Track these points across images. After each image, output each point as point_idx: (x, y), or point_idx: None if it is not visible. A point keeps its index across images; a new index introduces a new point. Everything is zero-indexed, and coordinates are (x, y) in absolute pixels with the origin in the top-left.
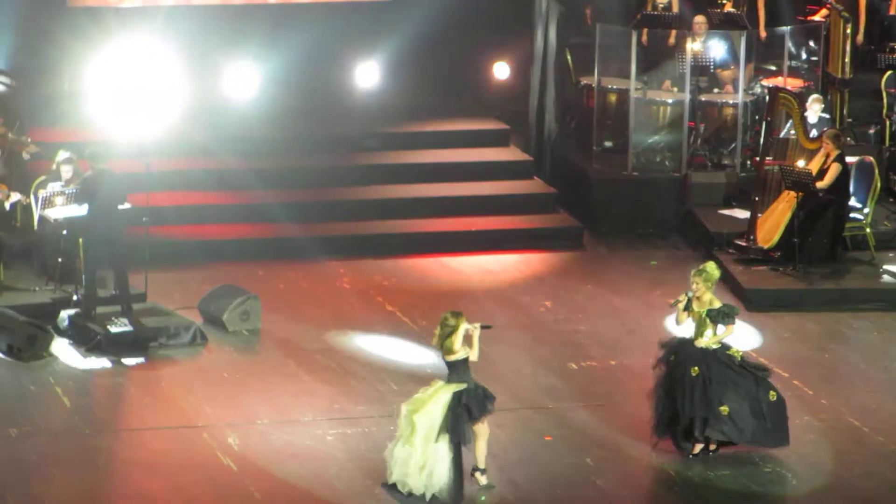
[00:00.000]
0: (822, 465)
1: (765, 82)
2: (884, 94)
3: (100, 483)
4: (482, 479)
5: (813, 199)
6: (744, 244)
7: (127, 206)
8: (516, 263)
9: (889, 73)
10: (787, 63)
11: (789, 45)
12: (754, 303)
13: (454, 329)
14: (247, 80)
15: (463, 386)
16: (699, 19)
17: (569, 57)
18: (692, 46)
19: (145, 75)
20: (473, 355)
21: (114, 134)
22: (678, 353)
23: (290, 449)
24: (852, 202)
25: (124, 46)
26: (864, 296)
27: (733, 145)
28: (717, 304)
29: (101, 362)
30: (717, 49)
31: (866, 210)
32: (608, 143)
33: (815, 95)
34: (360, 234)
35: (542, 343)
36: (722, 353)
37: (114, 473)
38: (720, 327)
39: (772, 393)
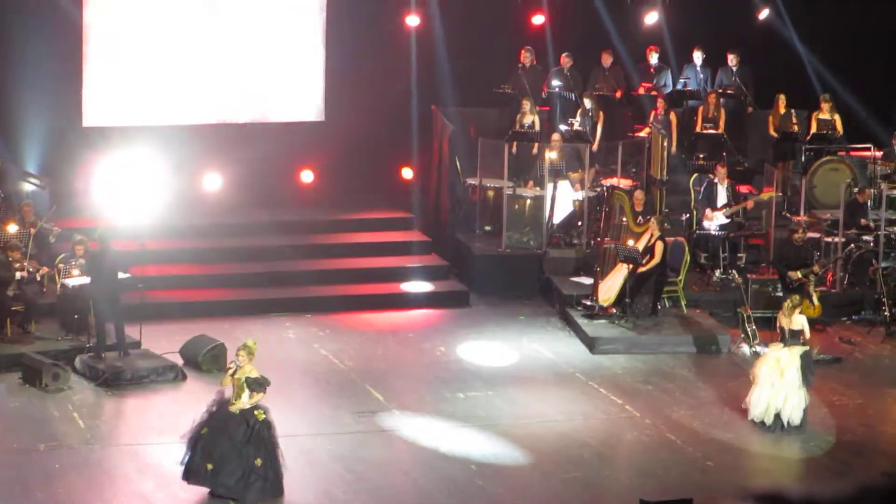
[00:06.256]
0: (647, 469)
1: (603, 182)
2: (691, 191)
3: (107, 486)
4: None
5: (640, 269)
6: (589, 303)
7: (126, 275)
8: (418, 318)
9: (695, 174)
10: (619, 167)
11: (621, 154)
12: (597, 347)
13: (797, 306)
14: (217, 181)
15: (805, 348)
16: (555, 136)
17: (458, 163)
18: (550, 155)
19: (140, 176)
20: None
21: (116, 221)
22: (218, 410)
23: None
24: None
25: (125, 156)
26: (678, 341)
27: (580, 229)
28: (255, 375)
29: (107, 394)
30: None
31: (680, 277)
32: (487, 228)
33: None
34: (302, 297)
35: (437, 378)
36: (249, 414)
37: (117, 478)
38: (249, 393)
39: (258, 460)
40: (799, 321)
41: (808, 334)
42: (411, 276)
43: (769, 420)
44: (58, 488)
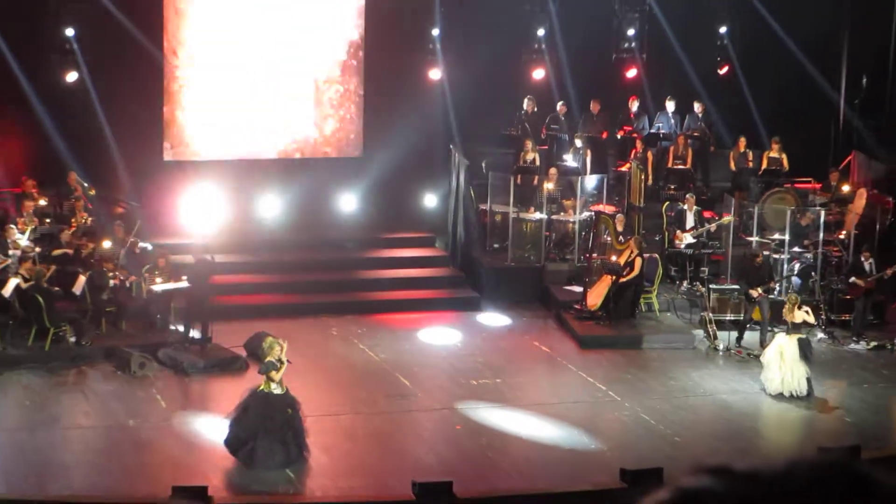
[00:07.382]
0: (626, 444)
1: (591, 208)
2: (664, 216)
3: (184, 453)
4: None
5: (621, 280)
6: (579, 308)
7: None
8: (437, 319)
9: (667, 202)
10: (605, 196)
11: (606, 185)
12: (586, 344)
13: (795, 303)
14: (273, 205)
15: (803, 335)
16: (552, 170)
17: (471, 192)
18: (547, 186)
19: (211, 201)
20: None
21: (191, 238)
22: (262, 402)
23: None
24: (645, 282)
25: (199, 184)
26: (652, 339)
27: (572, 246)
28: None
29: (184, 380)
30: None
31: (654, 287)
32: (496, 246)
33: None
34: (344, 301)
35: (454, 368)
36: (288, 394)
37: (194, 446)
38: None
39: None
40: (800, 315)
41: (813, 320)
42: (433, 285)
43: (786, 392)
44: (145, 456)
